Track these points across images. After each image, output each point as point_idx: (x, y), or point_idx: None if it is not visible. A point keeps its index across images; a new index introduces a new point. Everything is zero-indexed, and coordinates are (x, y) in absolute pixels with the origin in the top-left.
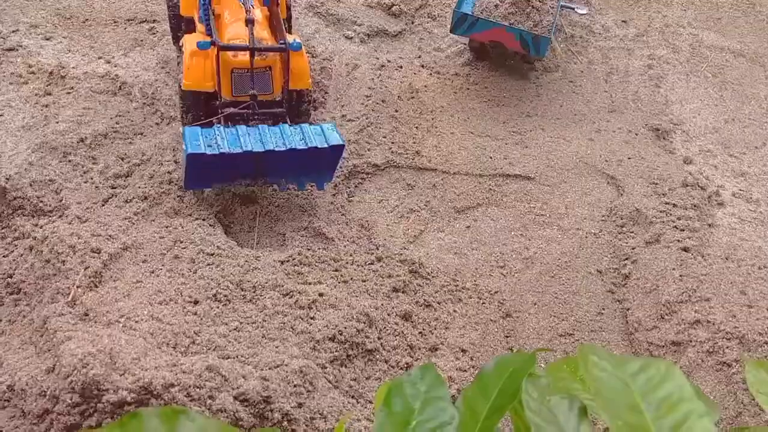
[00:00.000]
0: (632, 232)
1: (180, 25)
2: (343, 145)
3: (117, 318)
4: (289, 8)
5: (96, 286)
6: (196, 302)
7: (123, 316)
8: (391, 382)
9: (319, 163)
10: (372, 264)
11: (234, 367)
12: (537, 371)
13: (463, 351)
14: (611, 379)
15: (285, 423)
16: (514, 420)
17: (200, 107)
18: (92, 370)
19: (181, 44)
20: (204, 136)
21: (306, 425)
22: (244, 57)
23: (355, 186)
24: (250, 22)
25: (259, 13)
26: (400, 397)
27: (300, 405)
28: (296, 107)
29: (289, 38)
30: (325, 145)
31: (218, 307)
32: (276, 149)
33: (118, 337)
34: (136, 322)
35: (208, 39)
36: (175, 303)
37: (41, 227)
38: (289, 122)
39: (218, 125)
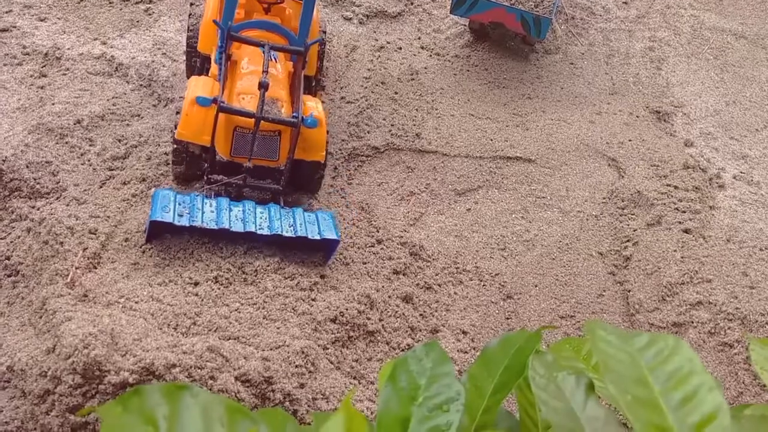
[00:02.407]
0: (633, 214)
1: (194, 60)
2: (338, 241)
3: (117, 299)
4: (320, 67)
5: (95, 267)
6: (196, 284)
7: (123, 296)
8: (396, 359)
9: (308, 253)
10: (372, 246)
11: (235, 348)
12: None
13: (464, 333)
14: (619, 353)
15: (287, 403)
16: (518, 398)
17: (194, 162)
18: (94, 351)
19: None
20: (177, 203)
21: (308, 405)
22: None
23: (355, 168)
24: (262, 87)
25: (280, 69)
26: (406, 374)
27: (302, 385)
28: (305, 178)
29: (311, 105)
30: (317, 237)
31: (219, 289)
32: (258, 232)
33: (118, 318)
34: (136, 302)
35: (215, 88)
36: (175, 284)
37: (39, 209)
38: (282, 203)
39: (196, 194)
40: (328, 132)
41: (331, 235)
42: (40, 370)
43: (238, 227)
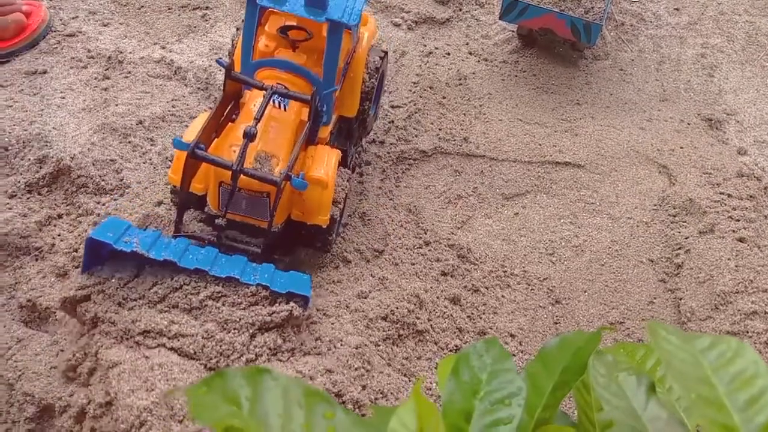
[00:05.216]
0: (685, 222)
1: None
2: (308, 298)
3: (161, 333)
4: (366, 109)
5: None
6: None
7: (169, 330)
8: (458, 354)
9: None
10: (420, 248)
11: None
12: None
13: (512, 336)
14: (681, 353)
15: (356, 410)
16: (576, 398)
17: (187, 208)
18: (150, 431)
19: None
20: (126, 233)
21: (371, 405)
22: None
23: (403, 171)
24: (247, 136)
25: (292, 117)
26: (468, 369)
27: (364, 387)
28: (310, 240)
29: (319, 162)
30: (280, 290)
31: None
32: (210, 272)
33: (170, 368)
34: (184, 336)
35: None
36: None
37: (104, 204)
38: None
39: (156, 231)
40: (347, 195)
41: (300, 291)
42: (89, 429)
43: (187, 264)
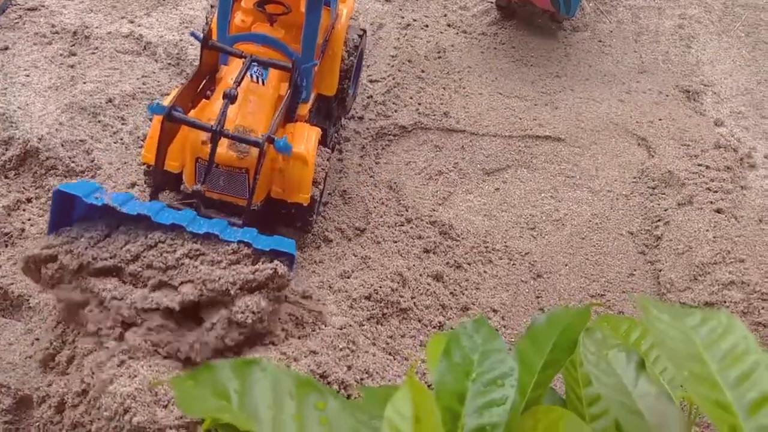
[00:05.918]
0: (664, 194)
1: None
2: (294, 257)
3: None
4: (345, 87)
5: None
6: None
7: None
8: (448, 334)
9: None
10: (402, 225)
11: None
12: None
13: (495, 311)
14: (672, 330)
15: (342, 390)
16: (564, 375)
17: (164, 187)
18: (135, 417)
19: None
20: (97, 190)
21: (357, 386)
22: (219, 149)
23: (383, 148)
24: (227, 97)
25: (270, 92)
26: (459, 349)
27: (349, 368)
28: (290, 218)
29: (300, 136)
30: (263, 248)
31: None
32: (188, 227)
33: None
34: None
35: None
36: None
37: None
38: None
39: (130, 194)
40: (327, 174)
41: (286, 248)
42: (71, 419)
43: (163, 219)
